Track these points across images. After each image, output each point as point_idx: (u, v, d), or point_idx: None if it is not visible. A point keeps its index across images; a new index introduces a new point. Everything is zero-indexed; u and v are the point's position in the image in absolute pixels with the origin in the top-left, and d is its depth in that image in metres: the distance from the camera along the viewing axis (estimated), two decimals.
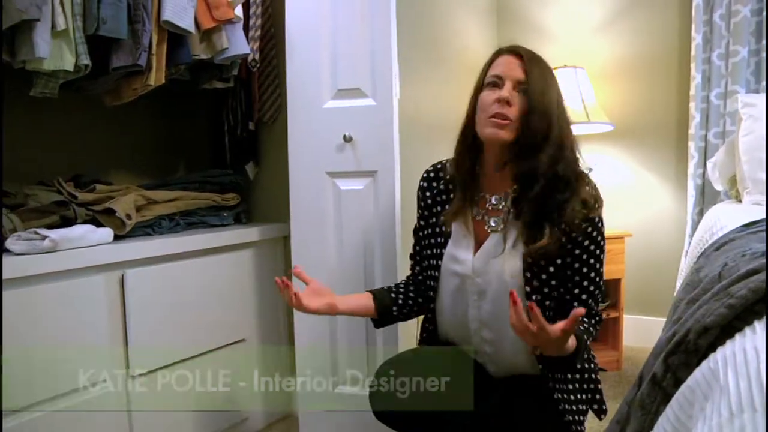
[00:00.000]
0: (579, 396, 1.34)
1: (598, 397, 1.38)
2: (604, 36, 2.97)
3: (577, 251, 1.27)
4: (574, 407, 1.32)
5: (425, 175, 1.49)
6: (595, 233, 1.27)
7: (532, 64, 1.29)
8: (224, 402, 1.97)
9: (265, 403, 2.16)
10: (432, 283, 1.44)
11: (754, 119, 2.20)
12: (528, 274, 1.28)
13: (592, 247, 1.28)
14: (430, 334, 1.50)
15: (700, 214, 2.68)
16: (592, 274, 1.29)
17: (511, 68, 1.28)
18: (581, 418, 1.33)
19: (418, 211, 1.50)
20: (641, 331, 2.89)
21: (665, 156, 2.90)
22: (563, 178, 1.25)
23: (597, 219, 1.28)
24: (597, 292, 1.33)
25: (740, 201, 2.26)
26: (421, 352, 1.49)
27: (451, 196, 1.41)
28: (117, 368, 1.63)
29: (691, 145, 2.71)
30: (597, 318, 1.34)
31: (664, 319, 2.77)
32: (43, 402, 1.44)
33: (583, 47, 3.00)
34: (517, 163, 1.28)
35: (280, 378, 2.23)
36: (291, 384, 2.22)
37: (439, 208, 1.43)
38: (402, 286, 1.52)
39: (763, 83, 2.53)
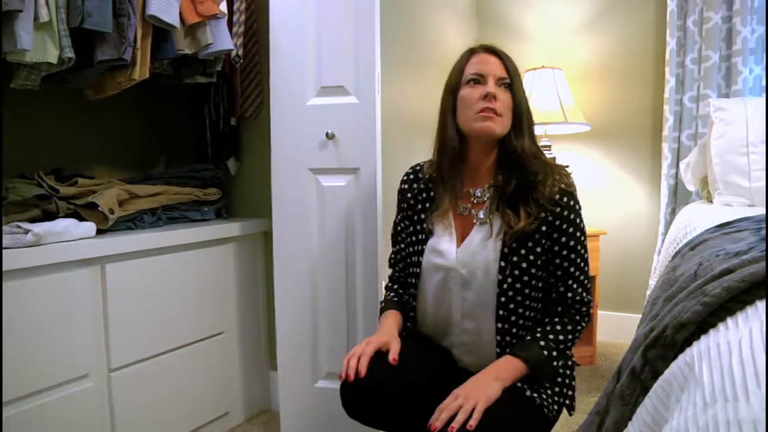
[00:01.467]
0: (551, 391, 1.36)
1: (570, 393, 1.40)
2: (582, 38, 3.03)
3: (556, 235, 1.34)
4: (547, 400, 1.34)
5: (405, 177, 1.54)
6: (572, 215, 1.35)
7: (509, 61, 1.40)
8: (204, 396, 1.98)
9: (245, 397, 2.17)
10: (413, 280, 1.48)
11: (725, 123, 2.26)
12: (503, 263, 1.33)
13: (572, 243, 1.34)
14: (409, 332, 1.52)
15: (673, 213, 2.76)
16: (578, 260, 1.36)
17: (491, 66, 1.38)
18: (555, 408, 1.36)
19: (398, 214, 1.54)
20: (615, 327, 2.96)
21: (640, 156, 2.97)
22: (537, 161, 1.36)
23: (573, 201, 1.36)
24: (585, 279, 1.38)
25: (711, 202, 2.33)
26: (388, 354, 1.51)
27: (431, 194, 1.46)
28: (98, 362, 1.62)
29: (665, 147, 2.78)
30: (586, 307, 1.38)
31: (638, 316, 2.86)
32: (24, 397, 1.44)
33: (561, 49, 3.05)
34: (505, 153, 1.38)
35: (261, 372, 2.24)
36: (271, 378, 2.24)
37: (420, 206, 1.48)
38: (402, 294, 1.56)
39: (734, 87, 2.60)
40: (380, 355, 1.33)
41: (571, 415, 1.41)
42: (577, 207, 1.37)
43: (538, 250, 1.34)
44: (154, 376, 1.79)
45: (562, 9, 3.06)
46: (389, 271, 1.62)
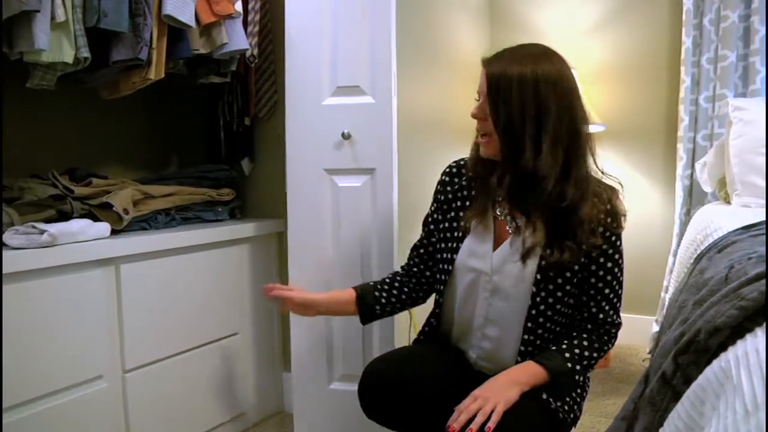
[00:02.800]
0: (569, 398, 1.34)
1: (578, 409, 1.37)
2: (596, 38, 3.01)
3: (593, 267, 1.30)
4: (563, 407, 1.32)
5: (447, 170, 1.48)
6: (611, 251, 1.30)
7: (493, 68, 1.26)
8: (218, 397, 1.97)
9: (259, 398, 2.16)
10: (443, 277, 1.43)
11: (744, 123, 2.23)
12: (539, 276, 1.29)
13: (609, 264, 1.31)
14: (432, 329, 1.50)
15: (688, 214, 2.73)
16: (614, 282, 1.33)
17: (481, 81, 1.29)
18: (570, 415, 1.34)
19: (433, 204, 1.50)
20: (628, 329, 2.89)
21: (654, 157, 2.94)
22: (562, 192, 1.24)
23: (615, 238, 1.30)
24: (617, 302, 1.36)
25: (729, 202, 2.30)
26: (411, 349, 1.50)
27: (473, 192, 1.40)
28: (112, 363, 1.62)
29: (680, 147, 2.75)
30: (615, 329, 1.37)
31: (651, 317, 2.84)
32: (39, 398, 1.43)
33: (575, 49, 3.02)
34: (506, 176, 1.29)
35: (274, 373, 2.23)
36: (285, 380, 2.23)
37: (458, 203, 1.43)
38: (391, 281, 1.53)
39: (752, 87, 2.57)
40: (401, 358, 1.35)
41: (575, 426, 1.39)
42: (618, 243, 1.32)
43: (576, 267, 1.30)
44: (168, 377, 1.78)
45: (576, 8, 3.04)
46: (400, 266, 1.60)
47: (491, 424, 1.14)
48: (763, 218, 1.47)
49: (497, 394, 1.19)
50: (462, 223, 1.39)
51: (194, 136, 2.31)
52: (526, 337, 1.33)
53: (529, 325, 1.32)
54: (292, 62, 1.88)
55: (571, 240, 1.25)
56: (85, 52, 1.50)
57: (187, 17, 1.65)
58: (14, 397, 1.37)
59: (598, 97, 2.98)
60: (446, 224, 1.45)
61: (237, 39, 1.83)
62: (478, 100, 1.31)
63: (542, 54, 1.27)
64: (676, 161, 2.80)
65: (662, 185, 2.93)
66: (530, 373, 1.26)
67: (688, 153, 2.74)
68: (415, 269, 1.53)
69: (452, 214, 1.44)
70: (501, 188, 1.32)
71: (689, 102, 2.71)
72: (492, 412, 1.16)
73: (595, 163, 1.32)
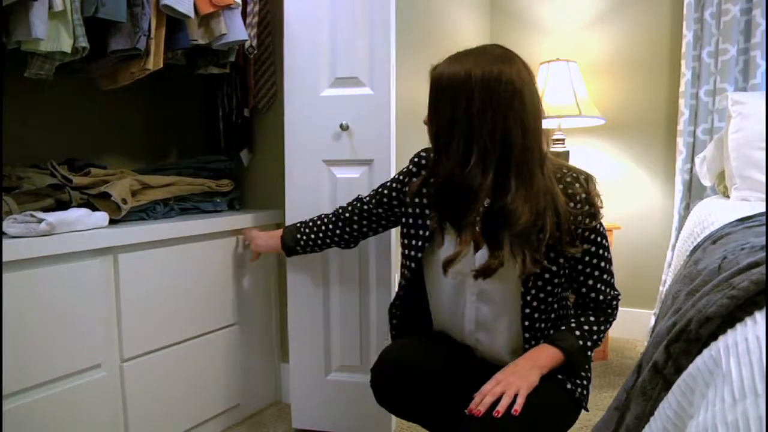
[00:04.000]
0: (580, 377, 1.37)
1: (587, 386, 1.40)
2: (596, 31, 3.00)
3: (581, 257, 1.31)
4: (578, 385, 1.35)
5: (417, 159, 1.47)
6: (593, 236, 1.30)
7: (435, 75, 1.25)
8: (216, 387, 1.98)
9: (257, 388, 2.16)
10: (406, 272, 1.45)
11: (743, 117, 2.23)
12: (525, 280, 1.30)
13: (594, 248, 1.32)
14: (401, 322, 1.52)
15: (687, 208, 2.73)
16: (603, 264, 1.36)
17: None
18: (585, 393, 1.37)
19: (395, 183, 1.51)
20: (627, 323, 2.93)
21: (654, 151, 2.94)
22: (516, 214, 1.20)
23: (595, 224, 1.29)
24: (610, 278, 1.38)
25: (728, 196, 2.30)
26: (424, 339, 1.49)
27: None
28: (110, 352, 1.62)
29: (680, 141, 2.74)
30: (616, 301, 1.40)
31: (650, 311, 2.84)
32: (36, 386, 1.44)
33: (575, 41, 3.02)
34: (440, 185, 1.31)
35: (272, 364, 2.24)
36: (283, 370, 2.24)
37: (424, 200, 1.41)
38: (316, 226, 1.69)
39: (752, 81, 2.56)
40: (414, 345, 1.39)
41: (587, 411, 1.40)
42: (601, 229, 1.31)
43: (561, 260, 1.31)
44: (166, 366, 1.79)
45: (577, 1, 3.03)
46: (399, 258, 1.60)
47: (517, 407, 1.16)
48: (761, 210, 1.47)
49: (520, 378, 1.21)
50: (428, 223, 1.38)
51: (193, 126, 2.31)
52: (526, 335, 1.34)
53: (527, 323, 1.33)
54: (290, 53, 1.88)
55: (546, 252, 1.25)
56: (83, 42, 1.50)
57: (185, 7, 1.65)
58: (12, 385, 1.37)
59: (598, 90, 2.98)
60: (410, 220, 1.42)
61: (236, 30, 1.83)
62: None
63: (489, 56, 1.21)
64: (675, 155, 2.80)
65: (662, 179, 2.93)
66: (548, 355, 1.29)
67: (687, 147, 2.73)
68: (348, 219, 1.62)
69: (417, 210, 1.41)
70: (438, 199, 1.33)
71: (689, 96, 2.71)
72: (516, 395, 1.17)
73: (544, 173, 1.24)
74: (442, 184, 1.26)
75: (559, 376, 1.30)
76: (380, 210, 1.56)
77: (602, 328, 1.35)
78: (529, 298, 1.30)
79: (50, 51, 1.46)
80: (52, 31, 1.44)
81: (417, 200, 1.42)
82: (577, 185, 1.27)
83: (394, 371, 1.33)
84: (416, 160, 1.47)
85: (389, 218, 1.58)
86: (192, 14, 1.68)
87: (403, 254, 1.46)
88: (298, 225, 1.73)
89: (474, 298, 1.36)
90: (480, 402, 1.17)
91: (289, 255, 1.77)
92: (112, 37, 1.58)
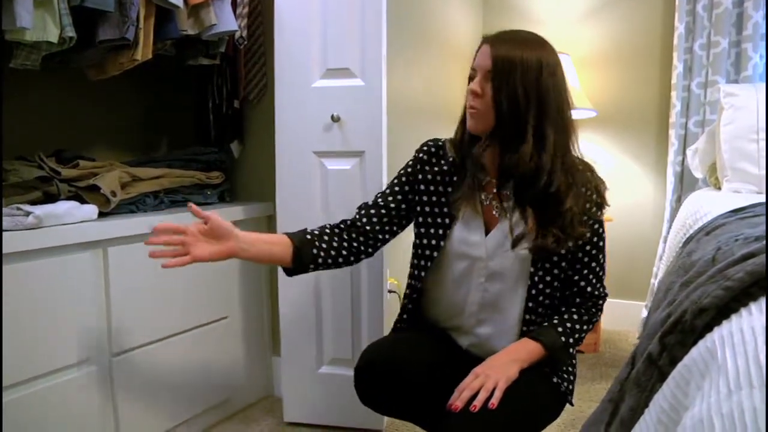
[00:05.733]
0: (563, 372, 1.37)
1: (572, 382, 1.40)
2: (589, 23, 2.99)
3: (582, 243, 1.33)
4: (563, 378, 1.36)
5: (425, 148, 1.44)
6: (597, 226, 1.35)
7: (500, 49, 1.25)
8: (207, 381, 1.97)
9: (248, 382, 2.15)
10: (426, 263, 1.40)
11: (735, 109, 2.23)
12: (535, 256, 1.31)
13: (595, 239, 1.35)
14: (413, 315, 1.48)
15: (679, 200, 2.73)
16: (599, 255, 1.37)
17: (483, 58, 1.27)
18: (570, 387, 1.38)
19: (404, 176, 1.44)
20: (619, 315, 2.94)
21: (646, 143, 2.94)
22: (549, 179, 1.25)
23: (600, 214, 1.35)
24: (602, 273, 1.40)
25: (719, 188, 2.30)
26: (403, 336, 1.47)
27: (455, 178, 1.38)
28: (100, 346, 1.61)
29: (672, 133, 2.75)
30: (602, 300, 1.40)
31: (641, 303, 2.85)
32: (25, 381, 1.42)
33: (568, 34, 3.01)
34: (498, 154, 1.31)
35: (264, 358, 2.23)
36: (274, 364, 2.23)
37: (441, 188, 1.39)
38: (335, 237, 1.40)
39: (744, 74, 2.57)
40: (397, 342, 1.39)
41: (572, 405, 1.40)
42: (601, 222, 1.38)
43: (570, 244, 1.31)
44: (156, 360, 1.77)
45: None
46: (393, 250, 1.57)
47: (494, 401, 1.16)
48: (753, 201, 1.47)
49: (498, 371, 1.21)
50: (448, 210, 1.38)
51: (183, 118, 2.28)
52: (527, 317, 1.34)
53: (530, 305, 1.34)
54: (281, 44, 1.86)
55: (558, 229, 1.26)
56: (71, 32, 1.47)
57: None
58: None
59: (590, 83, 2.97)
60: (427, 208, 1.41)
61: (225, 20, 1.80)
62: (473, 77, 1.29)
63: (542, 42, 1.29)
64: (667, 147, 2.80)
65: (653, 171, 2.94)
66: (528, 349, 1.28)
67: (679, 139, 2.74)
68: (368, 226, 1.42)
69: (434, 198, 1.40)
70: (491, 171, 1.34)
71: (681, 88, 2.71)
72: (494, 389, 1.17)
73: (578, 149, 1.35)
74: (517, 163, 1.25)
75: (546, 369, 1.31)
76: (395, 201, 1.43)
77: (584, 327, 1.35)
78: (536, 278, 1.32)
79: (36, 41, 1.44)
80: (38, 21, 1.42)
81: (432, 188, 1.40)
82: (588, 173, 1.34)
83: (373, 372, 1.32)
84: (425, 149, 1.44)
85: (401, 211, 1.44)
86: (181, 4, 1.66)
87: (420, 245, 1.42)
88: (310, 237, 1.38)
89: (482, 280, 1.36)
90: (458, 397, 1.17)
91: (293, 274, 1.40)
92: (99, 27, 1.55)
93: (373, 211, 1.43)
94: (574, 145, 1.32)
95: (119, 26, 1.55)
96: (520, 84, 1.23)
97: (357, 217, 1.44)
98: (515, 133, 1.25)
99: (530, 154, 1.24)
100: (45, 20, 1.43)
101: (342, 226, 1.43)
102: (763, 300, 0.73)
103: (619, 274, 2.98)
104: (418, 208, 1.42)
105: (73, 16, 1.47)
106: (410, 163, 1.45)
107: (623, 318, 2.94)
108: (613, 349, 2.74)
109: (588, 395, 2.22)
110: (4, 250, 1.35)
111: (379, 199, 1.45)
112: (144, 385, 1.74)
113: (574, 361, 1.41)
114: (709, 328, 0.76)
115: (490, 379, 1.19)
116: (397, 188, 1.44)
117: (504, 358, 1.26)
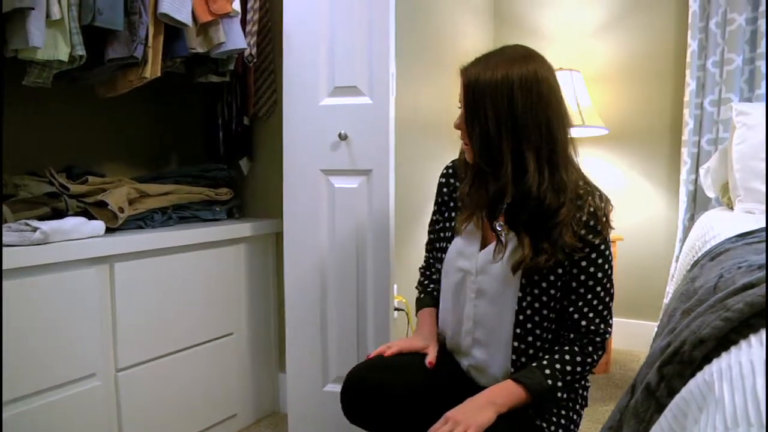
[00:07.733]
0: (555, 419, 1.31)
1: (573, 415, 1.34)
2: (600, 40, 2.98)
3: (575, 270, 1.25)
4: (549, 427, 1.29)
5: (444, 171, 1.49)
6: (594, 255, 1.24)
7: (469, 76, 1.24)
8: (213, 397, 1.96)
9: (253, 399, 2.15)
10: (440, 276, 1.45)
11: (747, 128, 2.21)
12: (524, 280, 1.27)
13: (592, 269, 1.25)
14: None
15: (691, 219, 2.70)
16: (598, 289, 1.26)
17: (460, 89, 1.27)
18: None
19: (434, 206, 1.51)
20: (630, 335, 2.91)
21: (658, 161, 2.91)
22: (539, 200, 1.22)
23: (599, 242, 1.24)
24: (604, 310, 1.28)
25: (732, 208, 2.27)
26: (396, 357, 1.42)
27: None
28: (105, 361, 1.62)
29: (684, 151, 2.72)
30: (600, 338, 1.28)
31: (653, 323, 2.81)
32: (31, 395, 1.43)
33: (579, 51, 3.00)
34: (485, 188, 1.31)
35: (269, 374, 2.22)
36: (280, 380, 2.22)
37: (452, 204, 1.44)
38: (437, 281, 1.49)
39: (758, 92, 2.54)
40: (383, 366, 1.34)
41: None
42: (603, 247, 1.25)
43: (560, 271, 1.26)
44: (162, 376, 1.77)
45: (581, 10, 3.01)
46: (401, 269, 1.59)
47: None
48: (763, 224, 1.45)
49: (469, 416, 1.15)
50: (453, 224, 1.41)
51: (193, 135, 2.30)
52: (516, 344, 1.30)
53: (518, 331, 1.29)
54: (289, 62, 1.87)
55: (546, 241, 1.23)
56: (81, 50, 1.50)
57: (183, 16, 1.65)
58: (6, 393, 1.36)
59: (602, 100, 2.96)
60: (442, 224, 1.47)
61: (234, 38, 1.82)
62: (460, 108, 1.29)
63: (518, 56, 1.24)
64: (680, 165, 2.77)
65: (666, 190, 2.90)
66: (508, 392, 1.21)
67: (692, 157, 2.71)
68: (433, 267, 1.53)
69: (447, 214, 1.46)
70: (482, 199, 1.33)
71: (694, 106, 2.69)
72: None
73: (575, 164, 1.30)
74: (500, 189, 1.25)
75: (530, 411, 1.24)
76: (443, 230, 1.48)
77: (578, 369, 1.24)
78: (524, 304, 1.27)
79: (48, 59, 1.46)
80: (49, 40, 1.44)
81: (452, 204, 1.45)
82: (590, 198, 1.26)
83: (358, 393, 1.30)
84: (444, 172, 1.49)
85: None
86: (190, 22, 1.68)
87: (434, 247, 1.50)
88: (430, 291, 1.52)
89: (473, 296, 1.34)
90: None
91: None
92: (109, 46, 1.58)
93: (436, 245, 1.51)
94: (569, 162, 1.26)
95: (128, 45, 1.57)
96: (491, 108, 1.20)
97: (429, 256, 1.55)
98: (493, 161, 1.23)
99: (512, 181, 1.22)
100: (56, 39, 1.46)
101: (429, 271, 1.55)
102: (762, 332, 0.71)
103: (631, 293, 2.94)
104: (437, 227, 1.50)
105: (83, 35, 1.50)
106: (436, 191, 1.50)
107: (635, 338, 2.90)
108: (623, 370, 2.70)
109: (596, 416, 2.19)
110: (11, 265, 1.37)
111: (431, 234, 1.53)
112: (149, 401, 1.74)
113: (572, 402, 1.33)
114: (707, 359, 0.75)
115: (458, 426, 1.13)
116: (435, 216, 1.51)
117: (480, 401, 1.20)
